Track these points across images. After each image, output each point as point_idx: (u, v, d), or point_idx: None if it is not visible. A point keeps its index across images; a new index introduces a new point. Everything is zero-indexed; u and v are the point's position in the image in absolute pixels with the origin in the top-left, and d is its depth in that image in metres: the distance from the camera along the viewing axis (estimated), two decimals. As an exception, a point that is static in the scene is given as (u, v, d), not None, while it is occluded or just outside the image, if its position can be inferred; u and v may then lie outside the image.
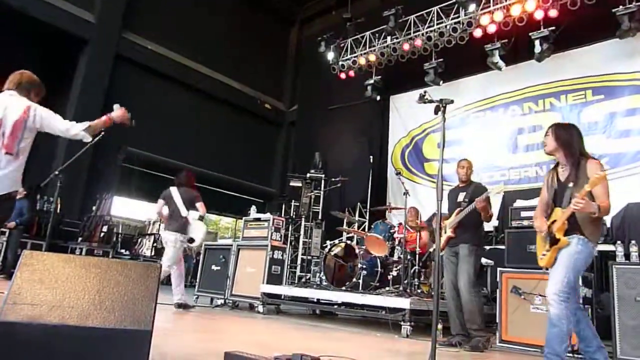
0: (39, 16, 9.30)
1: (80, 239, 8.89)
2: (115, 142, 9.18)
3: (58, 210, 7.52)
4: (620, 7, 6.54)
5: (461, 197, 4.49)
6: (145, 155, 10.88)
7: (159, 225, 19.83)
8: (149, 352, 1.92)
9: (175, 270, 5.81)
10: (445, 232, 4.42)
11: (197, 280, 7.54)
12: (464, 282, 4.25)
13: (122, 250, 11.07)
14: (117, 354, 1.90)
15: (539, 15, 7.19)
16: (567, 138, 3.01)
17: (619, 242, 4.24)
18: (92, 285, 1.97)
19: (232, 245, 7.10)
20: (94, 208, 9.49)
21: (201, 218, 5.91)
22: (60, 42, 9.85)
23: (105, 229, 9.42)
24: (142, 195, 13.79)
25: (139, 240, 14.72)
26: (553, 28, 7.19)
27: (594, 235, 2.84)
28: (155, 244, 14.98)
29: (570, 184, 2.89)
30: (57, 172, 4.63)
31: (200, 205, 5.92)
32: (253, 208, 7.46)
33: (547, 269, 3.03)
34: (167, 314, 4.99)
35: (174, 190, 6.05)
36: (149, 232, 18.73)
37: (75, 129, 3.15)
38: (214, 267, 7.22)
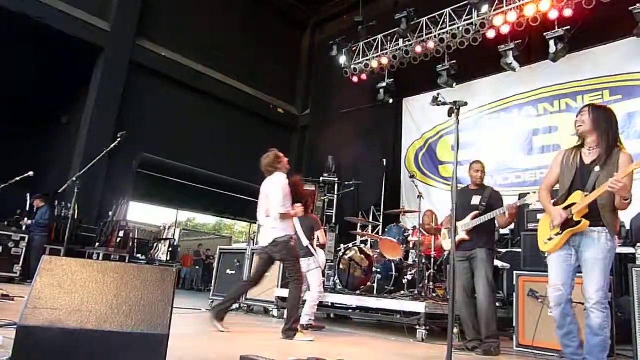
0: (56, 25, 9.48)
1: (97, 244, 9.01)
2: (130, 148, 9.29)
3: (76, 216, 7.64)
4: (638, 5, 6.42)
5: (476, 200, 4.38)
6: (160, 161, 11.01)
7: (173, 230, 20.06)
8: (165, 355, 1.94)
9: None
10: (458, 234, 4.29)
11: (212, 284, 7.59)
12: (483, 286, 4.16)
13: (138, 255, 11.19)
14: (134, 358, 1.92)
15: (553, 15, 7.11)
16: (607, 122, 2.85)
17: (638, 244, 4.16)
18: (109, 289, 2.00)
19: (246, 249, 7.13)
20: (110, 214, 9.62)
21: (322, 247, 5.57)
22: (76, 50, 10.02)
23: (121, 234, 9.53)
24: (157, 201, 13.97)
25: (155, 245, 14.85)
26: (568, 27, 7.09)
27: (614, 228, 2.73)
28: (170, 249, 15.11)
29: (597, 169, 2.76)
30: (74, 179, 4.70)
31: (320, 233, 5.57)
32: (267, 212, 7.46)
33: (548, 254, 2.90)
34: (183, 318, 5.03)
35: (295, 220, 5.88)
36: (164, 237, 18.91)
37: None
38: (228, 272, 7.26)
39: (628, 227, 5.60)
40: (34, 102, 10.30)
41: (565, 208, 2.82)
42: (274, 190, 4.35)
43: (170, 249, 15.11)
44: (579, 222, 2.74)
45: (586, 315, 2.71)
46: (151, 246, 14.06)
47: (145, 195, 12.37)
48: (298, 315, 4.31)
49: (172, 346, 1.98)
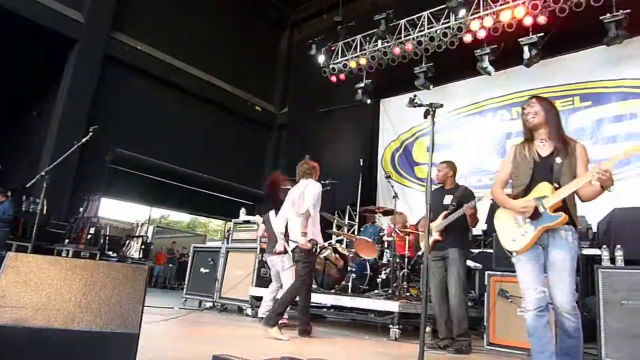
0: (29, 15, 9.19)
1: (66, 240, 8.76)
2: (103, 143, 9.08)
3: (44, 212, 7.39)
4: (608, 14, 6.64)
5: (447, 199, 4.45)
6: (134, 156, 10.80)
7: (146, 227, 19.72)
8: (135, 355, 1.91)
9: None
10: (432, 235, 4.35)
11: (186, 282, 7.49)
12: (454, 286, 4.23)
13: (110, 253, 10.94)
14: (103, 357, 1.88)
15: (528, 21, 7.28)
16: (556, 113, 2.80)
17: (604, 246, 4.28)
18: (78, 287, 1.95)
19: (221, 247, 7.07)
20: (81, 209, 9.37)
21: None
22: (50, 41, 9.74)
23: (92, 230, 9.27)
24: (130, 197, 13.70)
25: (127, 242, 14.58)
26: (542, 34, 7.27)
27: (576, 223, 2.65)
28: (143, 246, 14.85)
29: (559, 159, 2.66)
30: (43, 173, 4.55)
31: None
32: (242, 210, 7.43)
33: (516, 254, 2.69)
34: (154, 317, 4.95)
35: (272, 214, 5.69)
36: (137, 234, 18.59)
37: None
38: (202, 270, 7.19)
39: (595, 230, 5.77)
40: (4, 93, 9.96)
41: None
42: (311, 190, 4.73)
43: (143, 247, 14.85)
44: (553, 217, 2.59)
45: (558, 319, 2.61)
46: (123, 243, 13.79)
47: (118, 191, 12.10)
48: (281, 310, 4.40)
49: (143, 345, 1.95)
